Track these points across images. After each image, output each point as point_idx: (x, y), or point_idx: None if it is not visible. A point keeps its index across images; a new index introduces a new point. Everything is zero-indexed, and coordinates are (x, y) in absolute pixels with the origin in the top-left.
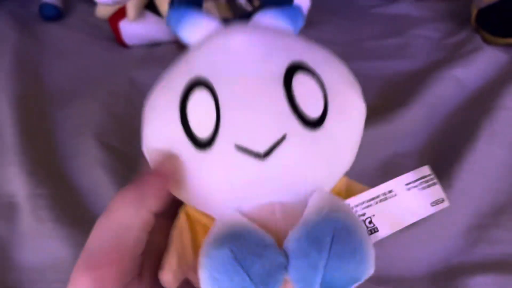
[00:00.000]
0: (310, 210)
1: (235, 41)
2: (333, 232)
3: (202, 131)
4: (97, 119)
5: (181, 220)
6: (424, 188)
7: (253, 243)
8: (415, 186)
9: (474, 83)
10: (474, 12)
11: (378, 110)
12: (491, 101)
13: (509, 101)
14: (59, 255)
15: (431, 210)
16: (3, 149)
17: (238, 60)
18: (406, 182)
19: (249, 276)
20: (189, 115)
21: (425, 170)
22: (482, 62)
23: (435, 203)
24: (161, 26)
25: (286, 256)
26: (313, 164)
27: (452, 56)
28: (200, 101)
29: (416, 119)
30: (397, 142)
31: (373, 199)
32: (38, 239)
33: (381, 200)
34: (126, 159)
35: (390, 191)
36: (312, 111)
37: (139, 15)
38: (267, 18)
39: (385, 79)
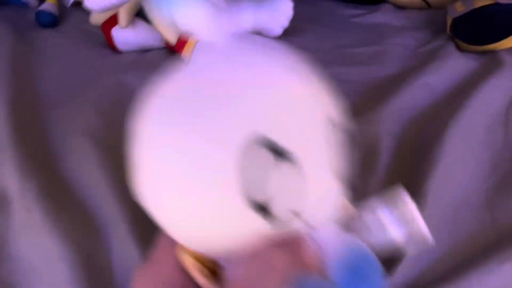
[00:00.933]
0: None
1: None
2: (365, 260)
3: (264, 200)
4: (87, 119)
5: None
6: (398, 214)
7: None
8: (387, 214)
9: (443, 87)
10: (449, 21)
11: (352, 115)
12: (457, 103)
13: (474, 103)
14: (47, 245)
15: (406, 233)
16: None
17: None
18: (376, 212)
19: None
20: (245, 182)
21: (398, 195)
22: (453, 68)
23: (408, 223)
24: (152, 33)
25: None
26: None
27: (425, 63)
28: (263, 167)
29: (388, 120)
30: (370, 142)
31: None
32: (29, 230)
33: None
34: (116, 156)
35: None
36: None
37: (131, 22)
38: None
39: (363, 83)
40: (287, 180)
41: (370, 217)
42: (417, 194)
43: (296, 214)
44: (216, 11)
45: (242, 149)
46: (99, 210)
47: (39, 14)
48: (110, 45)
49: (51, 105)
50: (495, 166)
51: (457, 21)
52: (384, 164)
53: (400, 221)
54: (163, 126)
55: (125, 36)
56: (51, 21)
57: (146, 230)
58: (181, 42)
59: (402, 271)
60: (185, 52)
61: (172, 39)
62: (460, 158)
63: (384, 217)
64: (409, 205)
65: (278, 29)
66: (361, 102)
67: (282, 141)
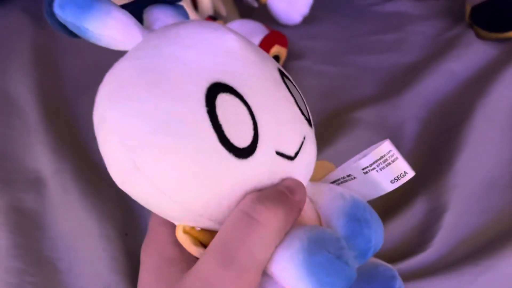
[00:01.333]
0: (333, 198)
1: (232, 42)
2: (364, 209)
3: (242, 140)
4: None
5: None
6: (382, 168)
7: (333, 239)
8: (373, 169)
9: (466, 73)
10: (468, 9)
11: (376, 100)
12: (482, 88)
13: (498, 87)
14: (86, 223)
15: (392, 186)
16: (27, 131)
17: (245, 63)
18: (363, 167)
19: (348, 266)
20: (224, 124)
21: (384, 148)
22: (474, 54)
23: (395, 179)
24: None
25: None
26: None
27: (446, 50)
28: (233, 108)
29: (413, 105)
30: (395, 127)
31: (334, 181)
32: (66, 210)
33: (341, 182)
34: None
35: (349, 175)
36: (307, 111)
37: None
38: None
39: (384, 71)
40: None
41: (356, 172)
42: (447, 173)
43: (279, 154)
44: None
45: (207, 97)
46: None
47: None
48: None
49: (78, 91)
50: None
51: (476, 9)
52: (409, 147)
53: (386, 170)
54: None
55: None
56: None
57: None
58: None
59: (436, 246)
60: None
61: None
62: (487, 141)
63: (372, 171)
64: (391, 151)
65: (297, 17)
66: (382, 89)
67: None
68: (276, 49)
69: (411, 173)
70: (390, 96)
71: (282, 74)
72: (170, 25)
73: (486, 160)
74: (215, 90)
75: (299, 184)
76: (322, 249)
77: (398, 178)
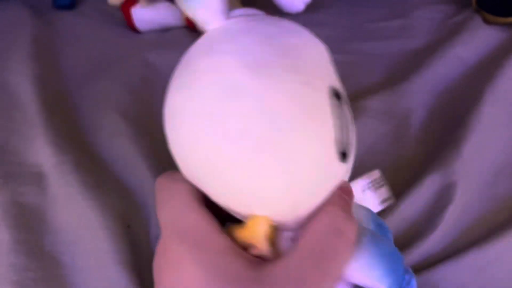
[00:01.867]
0: (355, 207)
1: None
2: (378, 217)
3: (346, 145)
4: (115, 96)
5: None
6: (376, 188)
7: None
8: (369, 188)
9: (474, 59)
10: None
11: (383, 87)
12: (490, 73)
13: (508, 71)
14: (88, 216)
15: (380, 207)
16: (28, 124)
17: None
18: (362, 187)
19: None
20: (336, 129)
21: (376, 174)
22: (481, 39)
23: (383, 201)
24: (172, 11)
25: None
26: None
27: (453, 35)
28: (345, 115)
29: (421, 92)
30: (402, 115)
31: None
32: (68, 202)
33: None
34: (145, 129)
35: None
36: None
37: (150, 1)
38: None
39: (390, 57)
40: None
41: (355, 189)
42: (455, 160)
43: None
44: None
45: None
46: (134, 183)
47: None
48: (129, 24)
49: (78, 83)
50: None
51: None
52: (417, 135)
53: (378, 191)
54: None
55: (146, 14)
56: (68, 3)
57: None
58: None
59: (443, 231)
60: None
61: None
62: (495, 127)
63: (368, 190)
64: (381, 177)
65: (300, 5)
66: (389, 76)
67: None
68: None
69: (393, 200)
70: (396, 84)
71: None
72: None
73: (494, 147)
74: (331, 93)
75: (351, 189)
76: (380, 241)
77: (384, 200)
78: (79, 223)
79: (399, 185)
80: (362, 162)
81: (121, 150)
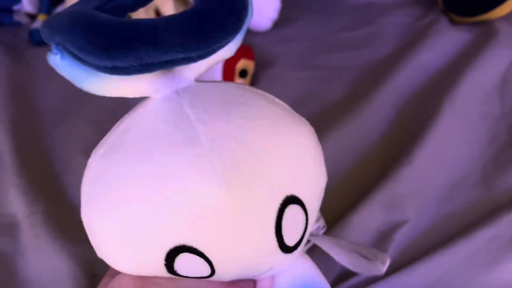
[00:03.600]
0: None
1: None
2: None
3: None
4: (87, 137)
5: None
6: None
7: None
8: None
9: (439, 64)
10: None
11: (347, 103)
12: (453, 79)
13: (470, 75)
14: (57, 267)
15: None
16: (2, 173)
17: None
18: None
19: None
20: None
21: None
22: (447, 42)
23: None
24: None
25: None
26: None
27: (418, 40)
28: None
29: (383, 106)
30: (364, 133)
31: None
32: (38, 254)
33: None
34: None
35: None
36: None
37: None
38: None
39: (356, 69)
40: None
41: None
42: (405, 177)
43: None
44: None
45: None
46: None
47: (33, 33)
48: None
49: (52, 123)
50: (493, 139)
51: None
52: (374, 152)
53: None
54: None
55: None
56: None
57: None
58: None
59: (393, 250)
60: None
61: None
62: (453, 139)
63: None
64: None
65: (267, 22)
66: (353, 91)
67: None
68: (242, 63)
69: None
70: (359, 99)
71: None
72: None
73: (451, 161)
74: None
75: None
76: None
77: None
78: (47, 274)
79: (350, 204)
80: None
81: None
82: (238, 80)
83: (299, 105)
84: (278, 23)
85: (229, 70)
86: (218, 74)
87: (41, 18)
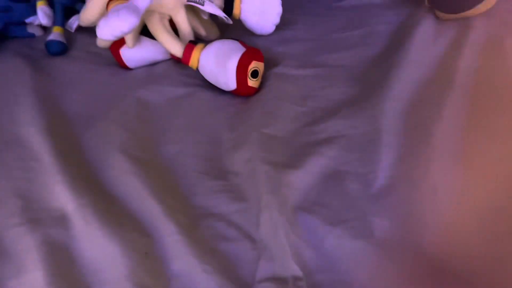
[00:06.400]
0: None
1: None
2: None
3: None
4: (119, 137)
5: None
6: None
7: None
8: None
9: (427, 58)
10: None
11: (346, 101)
12: (442, 76)
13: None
14: (109, 248)
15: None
16: (46, 172)
17: None
18: None
19: None
20: None
21: None
22: (433, 38)
23: None
24: (157, 47)
25: None
26: None
27: (408, 37)
28: None
29: (379, 101)
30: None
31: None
32: (91, 240)
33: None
34: (149, 165)
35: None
36: None
37: (137, 41)
38: None
39: (351, 67)
40: None
41: None
42: None
43: None
44: None
45: None
46: (144, 215)
47: (51, 44)
48: (120, 63)
49: (83, 127)
50: None
51: None
52: (388, 142)
53: None
54: None
55: (134, 54)
56: (61, 49)
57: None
58: (187, 53)
59: None
60: (192, 61)
61: (178, 52)
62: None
63: None
64: None
65: (270, 26)
66: (348, 87)
67: None
68: (254, 64)
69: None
70: (361, 97)
71: None
72: None
73: None
74: None
75: None
76: None
77: None
78: (100, 254)
79: None
80: None
81: (131, 190)
82: (250, 79)
83: (305, 101)
84: (279, 26)
85: (242, 71)
86: (232, 74)
87: (56, 30)
